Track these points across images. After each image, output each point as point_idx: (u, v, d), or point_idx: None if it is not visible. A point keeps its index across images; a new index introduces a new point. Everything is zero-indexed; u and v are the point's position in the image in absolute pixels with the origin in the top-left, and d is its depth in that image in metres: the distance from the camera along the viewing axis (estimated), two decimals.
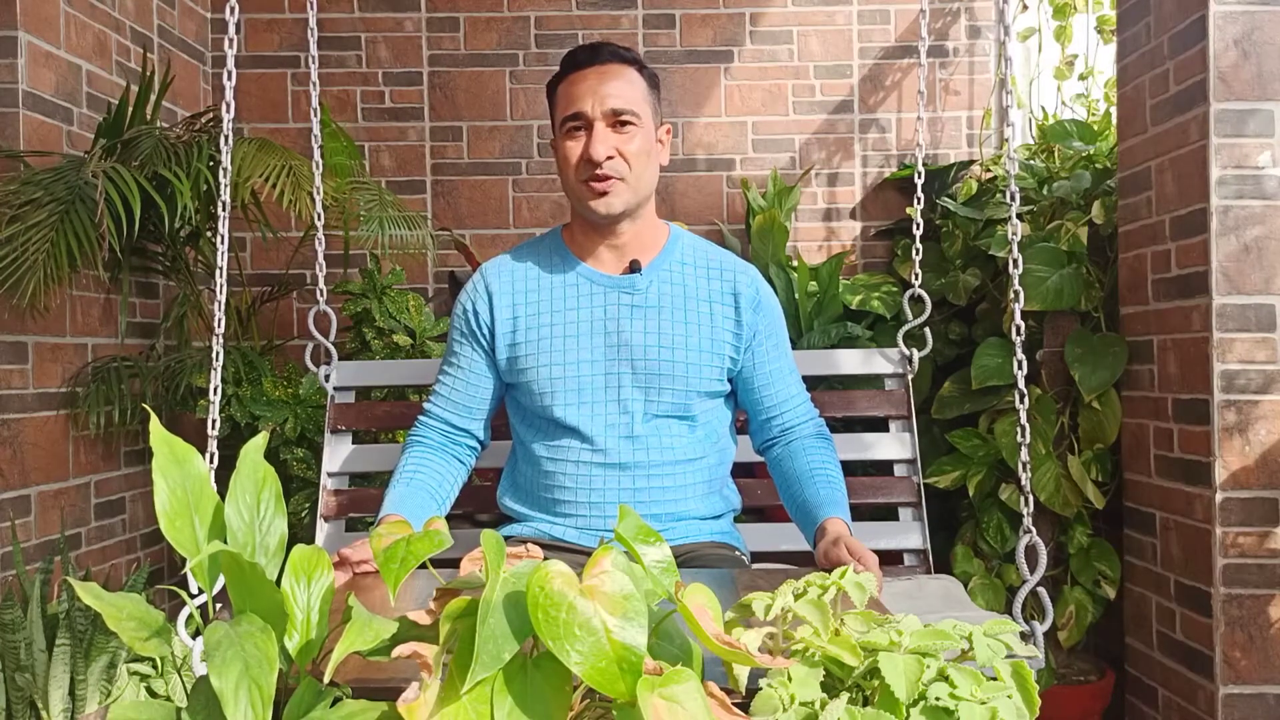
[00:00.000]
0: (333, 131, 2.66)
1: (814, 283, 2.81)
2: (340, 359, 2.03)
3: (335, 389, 1.99)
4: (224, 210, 1.46)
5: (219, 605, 0.92)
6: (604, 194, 1.50)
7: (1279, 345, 1.96)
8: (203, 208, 2.35)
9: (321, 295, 2.04)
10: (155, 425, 0.84)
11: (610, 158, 1.49)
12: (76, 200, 2.13)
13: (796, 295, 2.79)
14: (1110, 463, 2.37)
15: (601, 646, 0.69)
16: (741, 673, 0.82)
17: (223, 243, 1.45)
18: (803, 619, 0.83)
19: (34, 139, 2.28)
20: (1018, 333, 1.51)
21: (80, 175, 2.15)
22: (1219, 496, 1.97)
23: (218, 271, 1.44)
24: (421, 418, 1.66)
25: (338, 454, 1.96)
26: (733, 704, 0.74)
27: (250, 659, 0.70)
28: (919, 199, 2.03)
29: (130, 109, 2.40)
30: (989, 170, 3.00)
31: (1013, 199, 1.54)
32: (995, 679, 0.79)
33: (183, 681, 1.84)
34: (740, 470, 1.76)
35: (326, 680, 0.75)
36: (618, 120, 1.50)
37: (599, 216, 1.53)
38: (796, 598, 0.85)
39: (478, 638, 0.69)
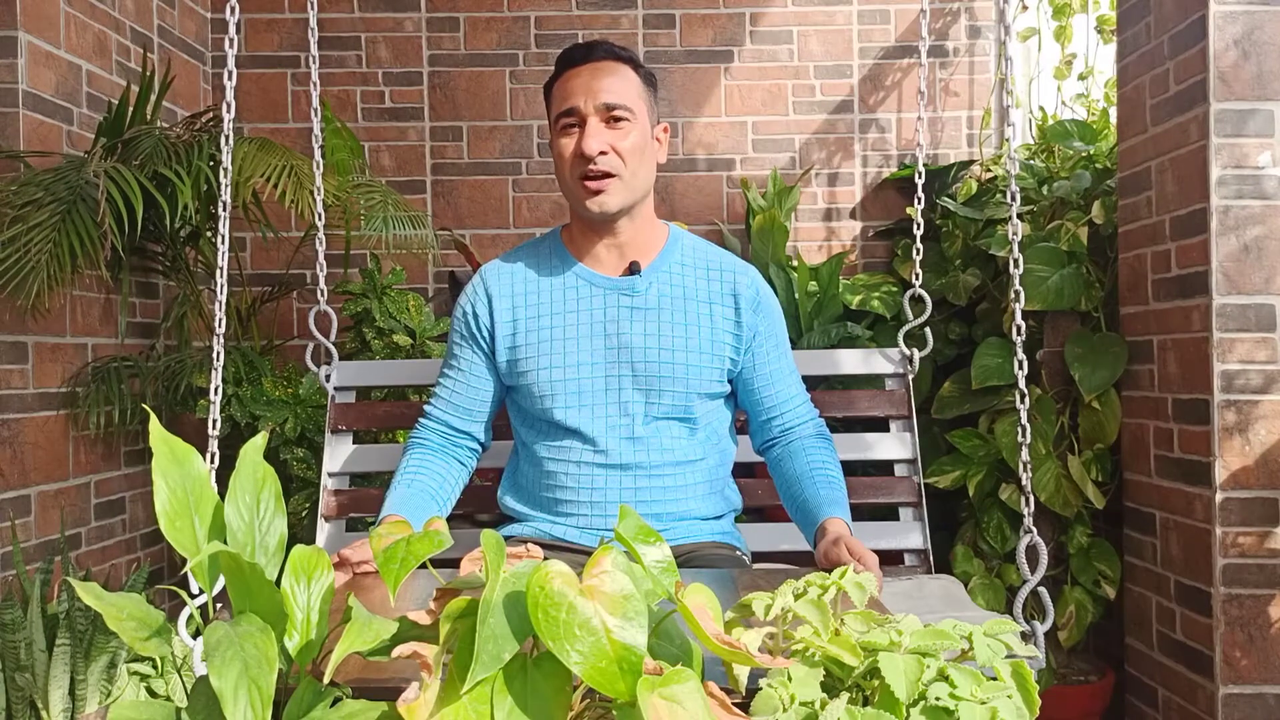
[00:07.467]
0: (335, 129, 2.66)
1: (814, 283, 2.81)
2: (340, 359, 2.03)
3: (335, 389, 1.99)
4: (224, 210, 1.46)
5: (219, 605, 0.92)
6: (598, 192, 1.50)
7: (1279, 345, 1.96)
8: (203, 207, 2.35)
9: (322, 295, 2.04)
10: (155, 425, 0.84)
11: (604, 153, 1.48)
12: (78, 200, 2.13)
13: (796, 295, 2.79)
14: (1110, 463, 2.37)
15: (601, 646, 0.69)
16: (741, 673, 0.82)
17: (223, 243, 1.45)
18: (803, 619, 0.83)
19: (34, 139, 2.28)
20: (1018, 333, 1.51)
21: (81, 175, 2.15)
22: (1219, 496, 1.97)
23: (218, 271, 1.44)
24: (422, 420, 1.66)
25: (338, 454, 1.96)
26: (733, 704, 0.74)
27: (250, 659, 0.70)
28: (919, 199, 2.03)
29: (130, 109, 2.40)
30: (989, 170, 3.00)
31: (1013, 199, 1.54)
32: (995, 679, 0.79)
33: (183, 681, 1.84)
34: (740, 470, 1.76)
35: (326, 680, 0.75)
36: (611, 116, 1.49)
37: (594, 215, 1.53)
38: (796, 598, 0.85)
39: (478, 638, 0.69)
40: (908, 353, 1.98)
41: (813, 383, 1.87)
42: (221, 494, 0.84)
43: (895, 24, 3.14)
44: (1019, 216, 1.93)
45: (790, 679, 0.78)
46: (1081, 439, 2.39)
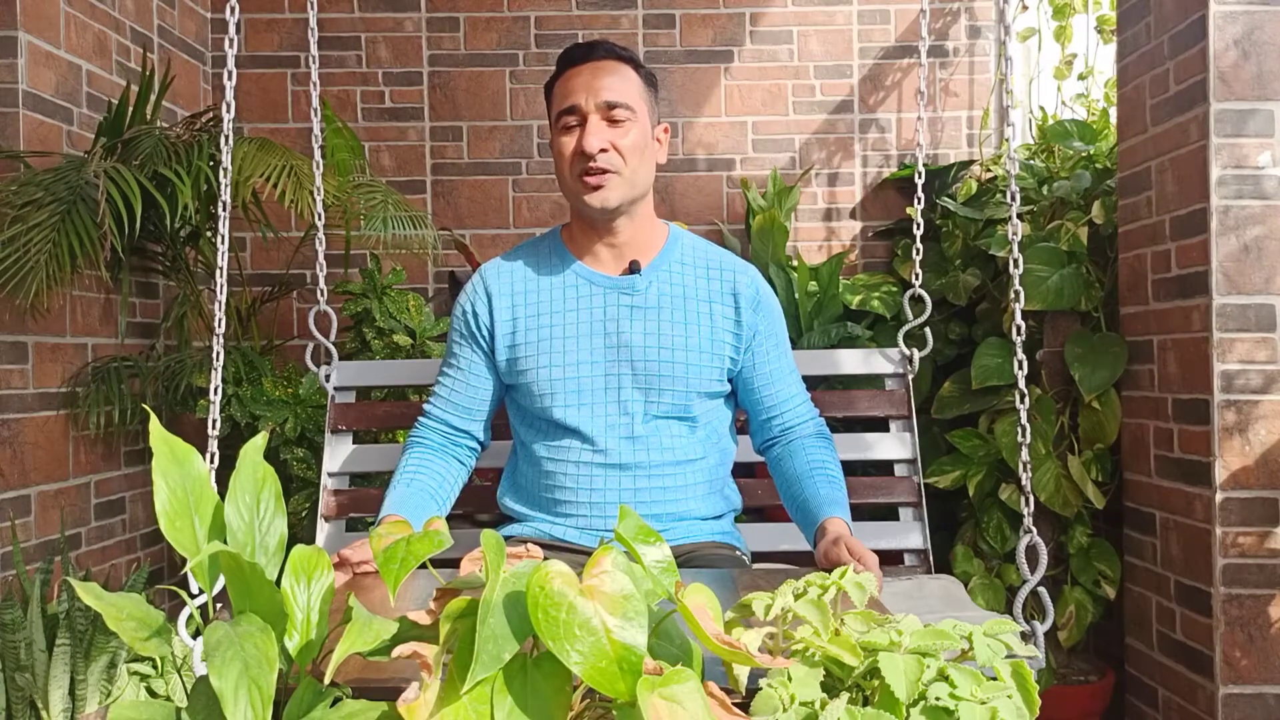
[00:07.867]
0: (335, 129, 2.66)
1: (814, 283, 2.81)
2: (340, 359, 2.03)
3: (335, 389, 1.99)
4: (224, 210, 1.46)
5: (219, 605, 0.92)
6: (598, 188, 1.50)
7: (1279, 345, 1.96)
8: (203, 207, 2.35)
9: (322, 295, 2.04)
10: (155, 425, 0.84)
11: (604, 150, 1.48)
12: (78, 200, 2.13)
13: (796, 295, 2.79)
14: (1110, 463, 2.37)
15: (601, 646, 0.69)
16: (741, 673, 0.82)
17: (223, 243, 1.45)
18: (803, 619, 0.83)
19: (34, 139, 2.28)
20: (1018, 333, 1.51)
21: (81, 175, 2.15)
22: (1219, 496, 1.97)
23: (218, 271, 1.44)
24: (421, 419, 1.65)
25: (338, 454, 1.96)
26: (733, 704, 0.74)
27: (250, 659, 0.70)
28: (919, 199, 2.03)
29: (130, 109, 2.40)
30: (989, 170, 3.00)
31: (1013, 199, 1.54)
32: (995, 679, 0.79)
33: (183, 681, 1.84)
34: (740, 470, 1.76)
35: (327, 680, 0.75)
36: (612, 114, 1.50)
37: (594, 211, 1.53)
38: (796, 598, 0.85)
39: (478, 638, 0.69)
40: (908, 353, 1.98)
41: (813, 383, 1.87)
42: (221, 494, 0.84)
43: (895, 24, 3.14)
44: (1019, 216, 1.93)
45: (790, 679, 0.78)
46: (1081, 439, 2.39)
